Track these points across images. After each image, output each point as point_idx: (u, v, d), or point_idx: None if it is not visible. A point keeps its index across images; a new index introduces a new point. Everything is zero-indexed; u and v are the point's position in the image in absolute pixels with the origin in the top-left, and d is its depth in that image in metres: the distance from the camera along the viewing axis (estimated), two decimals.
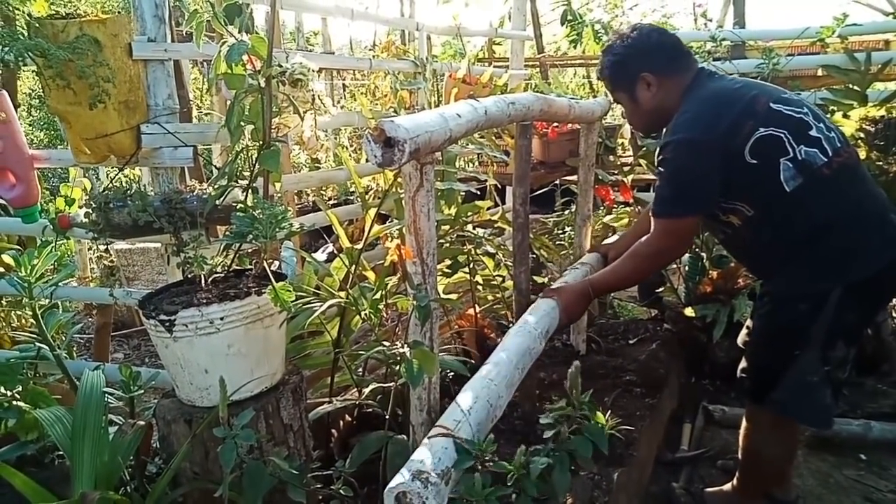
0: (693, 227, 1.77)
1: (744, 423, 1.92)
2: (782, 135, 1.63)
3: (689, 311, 2.86)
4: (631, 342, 2.89)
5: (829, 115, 3.00)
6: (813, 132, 1.65)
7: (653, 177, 3.38)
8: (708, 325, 2.76)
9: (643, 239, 1.80)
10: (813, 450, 2.39)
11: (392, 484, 1.06)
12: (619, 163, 3.36)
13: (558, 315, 1.77)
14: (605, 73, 1.94)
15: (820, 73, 3.50)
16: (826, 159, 1.62)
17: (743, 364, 1.89)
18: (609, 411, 2.16)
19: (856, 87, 3.12)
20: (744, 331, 2.01)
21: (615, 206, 3.20)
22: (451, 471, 1.14)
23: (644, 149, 3.32)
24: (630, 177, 3.25)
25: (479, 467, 1.17)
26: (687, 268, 3.11)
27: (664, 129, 1.83)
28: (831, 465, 2.32)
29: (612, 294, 3.43)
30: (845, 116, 2.94)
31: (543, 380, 2.48)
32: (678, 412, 2.62)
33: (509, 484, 1.21)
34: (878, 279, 1.65)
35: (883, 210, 1.69)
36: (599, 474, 1.89)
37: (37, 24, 1.80)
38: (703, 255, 3.02)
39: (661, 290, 3.24)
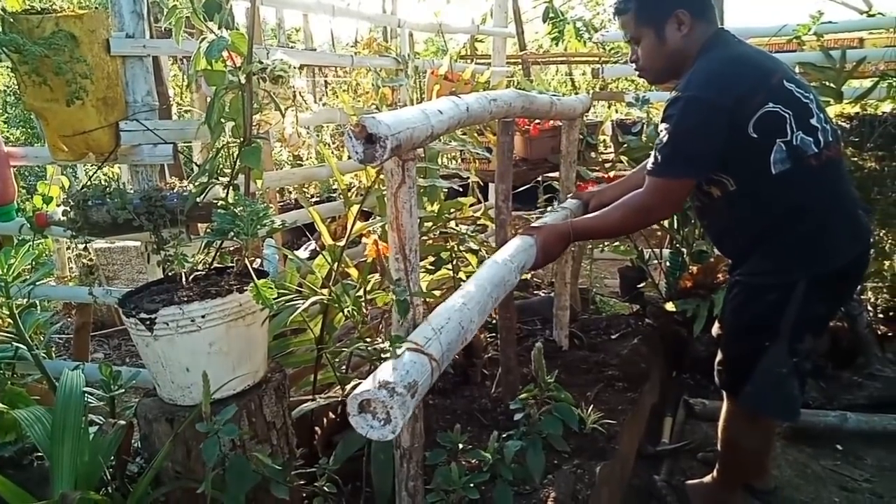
0: (687, 190, 1.71)
1: (722, 416, 1.94)
2: (787, 115, 1.61)
3: (669, 306, 2.89)
4: (613, 337, 2.92)
5: None
6: (813, 120, 1.64)
7: None
8: (688, 319, 2.80)
9: (634, 193, 1.75)
10: (791, 441, 2.43)
11: (357, 391, 1.04)
12: (600, 159, 3.39)
13: (535, 253, 1.73)
14: (630, 5, 1.77)
15: (797, 70, 3.56)
16: (816, 150, 1.62)
17: (719, 356, 1.91)
18: (592, 406, 2.21)
19: (831, 85, 3.17)
20: (717, 323, 2.04)
21: None
22: (419, 385, 1.12)
23: (625, 145, 3.35)
24: (612, 173, 3.28)
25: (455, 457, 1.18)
26: (668, 263, 3.15)
27: (674, 82, 1.78)
28: (808, 456, 2.36)
29: (594, 290, 3.45)
30: None
31: (526, 375, 2.49)
32: (659, 406, 2.65)
33: (485, 470, 1.22)
34: (843, 272, 1.68)
35: (853, 207, 1.72)
36: (582, 468, 1.91)
37: (11, 20, 1.77)
38: (684, 250, 3.06)
39: (642, 285, 3.27)
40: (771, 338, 1.69)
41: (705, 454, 2.34)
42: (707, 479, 2.08)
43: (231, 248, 1.87)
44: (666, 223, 3.18)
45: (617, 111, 4.87)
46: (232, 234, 1.46)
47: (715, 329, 2.04)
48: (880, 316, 3.00)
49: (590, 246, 3.42)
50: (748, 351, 1.75)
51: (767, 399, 1.74)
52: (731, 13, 4.33)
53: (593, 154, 3.34)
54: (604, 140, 4.13)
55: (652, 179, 1.69)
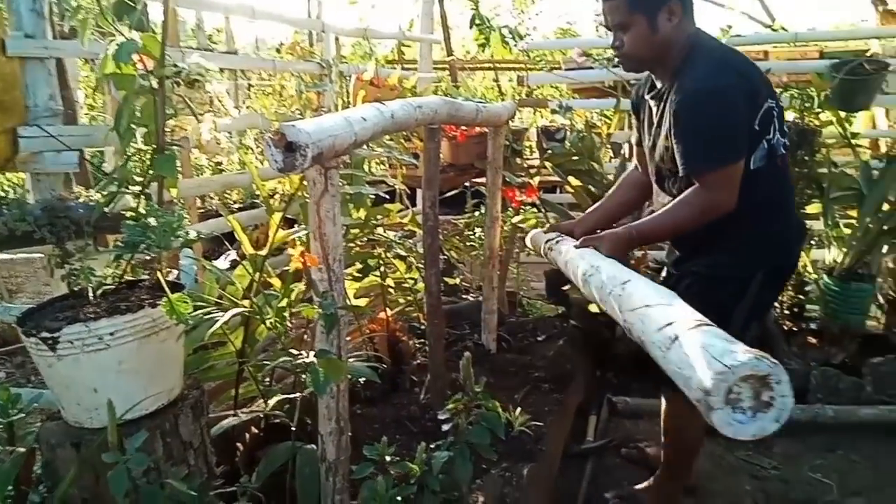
0: (740, 173, 1.63)
1: (664, 409, 1.98)
2: (775, 114, 1.67)
3: (593, 308, 2.96)
4: (540, 339, 2.97)
5: None
6: (784, 124, 1.73)
7: (557, 179, 3.50)
8: (611, 320, 2.87)
9: (692, 192, 1.66)
10: (708, 435, 2.54)
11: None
12: (525, 165, 3.45)
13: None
14: None
15: None
16: (784, 151, 1.72)
17: None
18: (519, 408, 2.24)
19: None
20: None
21: (522, 207, 3.27)
22: None
23: (549, 151, 3.42)
24: (536, 178, 3.34)
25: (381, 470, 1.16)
26: None
27: (651, 77, 1.80)
28: (724, 448, 2.47)
29: (522, 293, 3.51)
30: None
31: (455, 380, 2.50)
32: (584, 405, 2.72)
33: (412, 483, 1.21)
34: (791, 265, 1.83)
35: (794, 206, 1.87)
36: (510, 471, 1.93)
37: None
38: None
39: (567, 287, 3.34)
40: (724, 328, 1.71)
41: (629, 451, 2.41)
42: (653, 479, 2.12)
43: (145, 260, 1.79)
44: None
45: (542, 117, 4.98)
46: (143, 246, 1.39)
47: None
48: (786, 312, 3.18)
49: (517, 250, 3.47)
50: None
51: None
52: None
53: (519, 160, 3.39)
54: (529, 146, 4.21)
55: (708, 175, 1.63)
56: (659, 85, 1.80)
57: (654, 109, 1.82)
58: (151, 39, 1.65)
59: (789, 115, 3.35)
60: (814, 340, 3.00)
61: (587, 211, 2.18)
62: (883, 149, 4.18)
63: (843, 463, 2.37)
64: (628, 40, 1.73)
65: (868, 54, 3.37)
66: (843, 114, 3.37)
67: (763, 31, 4.29)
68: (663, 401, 1.99)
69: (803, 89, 3.38)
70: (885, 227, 2.98)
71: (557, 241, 1.95)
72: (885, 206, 3.04)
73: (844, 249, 3.03)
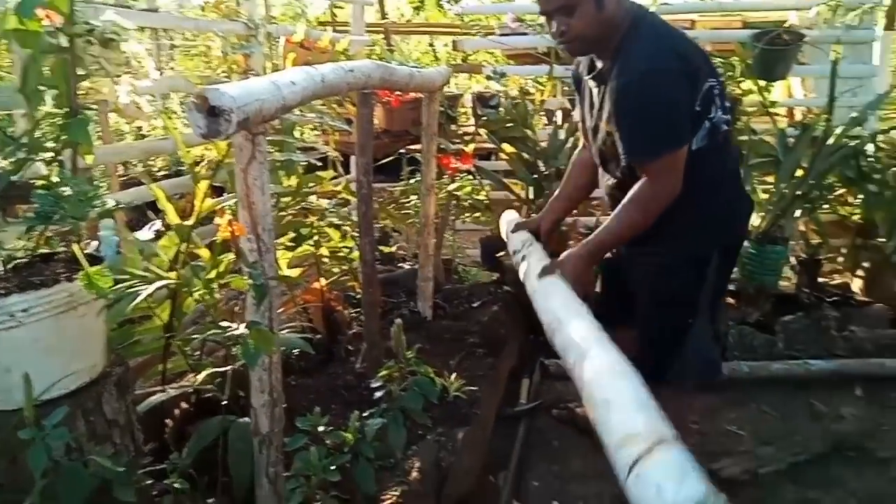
0: (684, 158, 1.60)
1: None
2: (717, 92, 1.62)
3: None
4: (475, 305, 3.01)
5: None
6: (725, 101, 1.68)
7: (492, 146, 3.51)
8: None
9: (640, 187, 1.63)
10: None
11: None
12: (461, 132, 3.44)
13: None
14: None
15: None
16: (727, 127, 1.68)
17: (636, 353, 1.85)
18: (454, 374, 2.28)
19: None
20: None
21: (458, 174, 3.27)
22: None
23: (484, 118, 3.42)
24: (471, 146, 3.34)
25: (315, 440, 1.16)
26: None
27: (595, 57, 1.73)
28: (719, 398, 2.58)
29: (457, 260, 3.53)
30: None
31: (391, 348, 2.51)
32: (518, 368, 2.79)
33: (346, 451, 1.22)
34: (742, 240, 1.85)
35: (740, 178, 1.86)
36: (445, 435, 1.96)
37: None
38: None
39: (501, 254, 3.39)
40: (694, 312, 1.72)
41: (559, 411, 2.50)
42: None
43: (62, 232, 1.69)
44: (522, 193, 3.31)
45: (477, 83, 4.96)
46: (57, 217, 1.31)
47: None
48: None
49: (452, 217, 3.48)
50: (673, 329, 1.74)
51: (696, 368, 1.78)
52: None
53: (454, 126, 3.38)
54: (465, 113, 4.20)
55: (652, 163, 1.60)
56: (599, 65, 1.73)
57: (595, 91, 1.76)
58: None
59: None
60: (731, 301, 3.16)
61: (549, 200, 2.13)
62: (798, 117, 4.40)
63: (756, 415, 2.54)
64: (575, 22, 1.63)
65: (786, 25, 3.50)
66: (762, 83, 3.51)
67: (690, 0, 4.38)
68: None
69: (727, 58, 3.50)
70: (799, 193, 3.16)
71: (524, 256, 1.87)
72: (799, 172, 3.21)
73: (762, 214, 3.19)
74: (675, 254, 1.70)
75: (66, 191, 1.37)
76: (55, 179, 1.44)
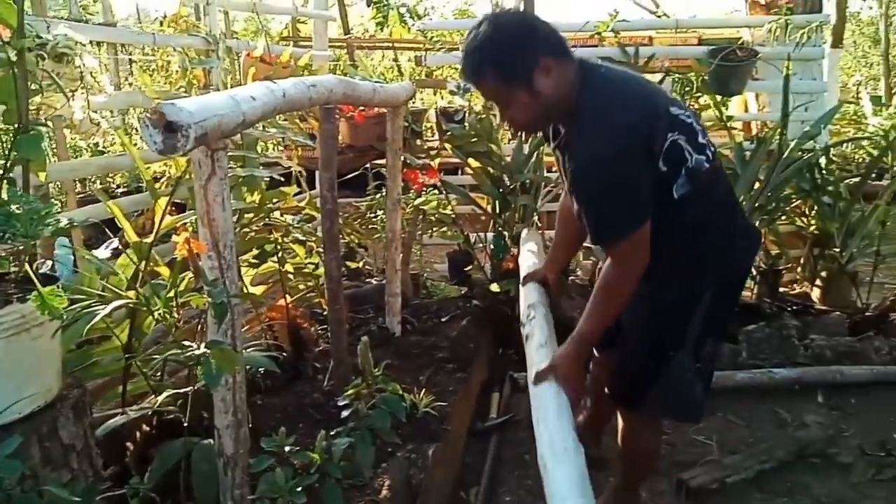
0: (648, 230, 1.54)
1: (620, 427, 1.91)
2: (682, 141, 1.54)
3: (494, 287, 3.03)
4: (444, 320, 3.00)
5: None
6: (699, 139, 1.59)
7: (458, 161, 3.52)
8: (512, 298, 2.95)
9: (608, 270, 1.60)
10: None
11: None
12: (425, 147, 3.44)
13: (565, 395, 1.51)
14: (487, 72, 1.53)
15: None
16: (708, 165, 1.59)
17: (614, 372, 1.84)
18: (424, 390, 2.26)
19: None
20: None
21: (424, 189, 3.27)
22: None
23: (448, 133, 3.43)
24: (437, 160, 3.34)
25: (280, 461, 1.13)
26: (492, 246, 3.29)
27: (554, 128, 1.67)
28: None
29: (425, 275, 3.52)
30: None
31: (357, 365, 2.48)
32: (488, 383, 2.77)
33: (313, 472, 1.19)
34: (741, 279, 1.76)
35: (742, 213, 1.77)
36: (416, 452, 1.94)
37: None
38: (506, 233, 3.22)
39: (469, 268, 3.40)
40: (676, 347, 1.68)
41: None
42: (611, 489, 2.04)
43: (14, 252, 1.63)
44: (489, 208, 3.32)
45: (442, 98, 4.98)
46: (7, 236, 1.26)
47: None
48: None
49: (419, 232, 3.48)
50: (652, 364, 1.71)
51: (672, 406, 1.75)
52: (542, 10, 4.63)
53: (419, 141, 3.38)
54: (429, 127, 4.21)
55: (617, 245, 1.56)
56: (562, 130, 1.65)
57: (561, 158, 1.69)
58: (7, 7, 1.49)
59: None
60: None
61: (551, 248, 2.12)
62: (754, 131, 4.53)
63: (722, 424, 2.57)
64: (514, 112, 1.58)
65: (739, 42, 3.61)
66: (719, 98, 3.61)
67: (648, 17, 4.50)
68: (619, 419, 1.93)
69: (684, 74, 3.59)
70: (757, 204, 3.24)
71: (531, 319, 1.85)
72: (756, 185, 3.30)
73: None
74: (664, 288, 1.66)
75: (17, 209, 1.32)
76: (4, 197, 1.39)
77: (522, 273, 2.14)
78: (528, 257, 2.25)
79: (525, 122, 1.64)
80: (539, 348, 1.69)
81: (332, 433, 1.29)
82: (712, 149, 1.63)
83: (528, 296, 1.97)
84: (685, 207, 1.57)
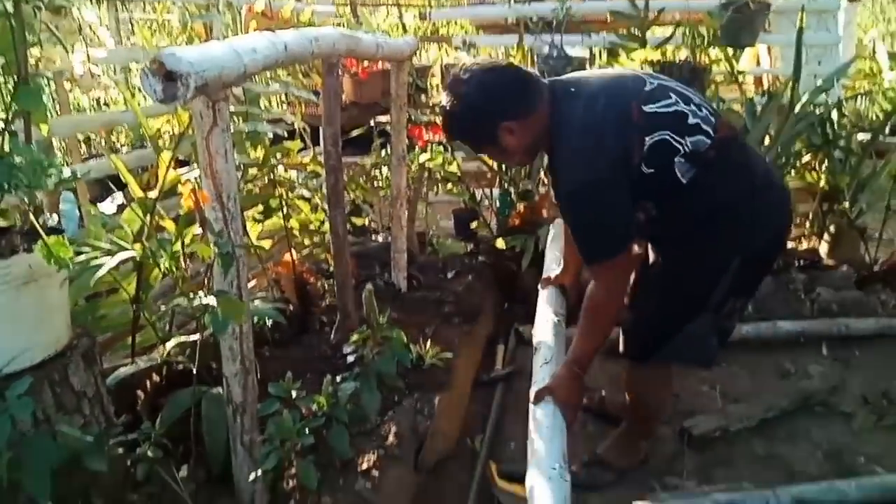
0: (629, 256, 1.67)
1: (626, 377, 1.97)
2: (666, 136, 1.56)
3: (500, 243, 3.04)
4: (449, 276, 3.01)
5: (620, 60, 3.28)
6: (690, 120, 1.59)
7: None
8: (517, 254, 2.96)
9: (593, 288, 1.70)
10: (608, 356, 2.69)
11: None
12: (430, 103, 3.41)
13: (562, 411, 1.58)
14: (456, 137, 1.76)
15: (609, 18, 3.80)
16: (710, 141, 1.59)
17: (630, 328, 1.87)
18: (430, 342, 2.28)
19: (637, 32, 3.42)
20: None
21: (429, 145, 3.25)
22: None
23: None
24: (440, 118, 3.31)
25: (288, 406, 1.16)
26: (497, 203, 3.29)
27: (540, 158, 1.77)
28: (622, 367, 2.62)
29: (431, 232, 3.53)
30: (630, 58, 3.23)
31: (365, 319, 2.51)
32: (493, 336, 2.80)
33: (320, 416, 1.21)
34: (773, 240, 1.76)
35: (766, 174, 1.74)
36: (421, 401, 1.97)
37: None
38: (511, 190, 3.21)
39: (475, 225, 3.40)
40: (700, 309, 1.71)
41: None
42: (616, 435, 2.08)
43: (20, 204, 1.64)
44: (494, 165, 3.30)
45: (447, 54, 4.91)
46: (9, 187, 1.27)
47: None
48: None
49: (424, 189, 3.46)
50: (674, 322, 1.74)
51: (684, 353, 1.77)
52: None
53: (423, 97, 3.35)
54: (434, 84, 4.16)
55: (599, 268, 1.66)
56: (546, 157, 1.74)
57: (553, 180, 1.76)
58: None
59: (682, 54, 3.47)
60: None
61: (563, 256, 2.21)
62: (765, 85, 4.45)
63: (726, 374, 2.59)
64: (496, 158, 1.79)
65: None
66: (730, 52, 3.53)
67: None
68: (627, 368, 1.97)
69: (695, 27, 3.51)
70: (767, 159, 3.19)
71: (536, 348, 1.90)
72: (767, 140, 3.25)
73: None
74: (693, 254, 1.70)
75: (20, 160, 1.32)
76: (6, 149, 1.39)
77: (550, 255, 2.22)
78: (550, 257, 2.32)
79: (510, 163, 1.92)
80: (543, 365, 1.76)
81: (338, 379, 1.31)
82: (713, 119, 1.62)
83: (541, 302, 2.06)
84: (698, 190, 1.60)
